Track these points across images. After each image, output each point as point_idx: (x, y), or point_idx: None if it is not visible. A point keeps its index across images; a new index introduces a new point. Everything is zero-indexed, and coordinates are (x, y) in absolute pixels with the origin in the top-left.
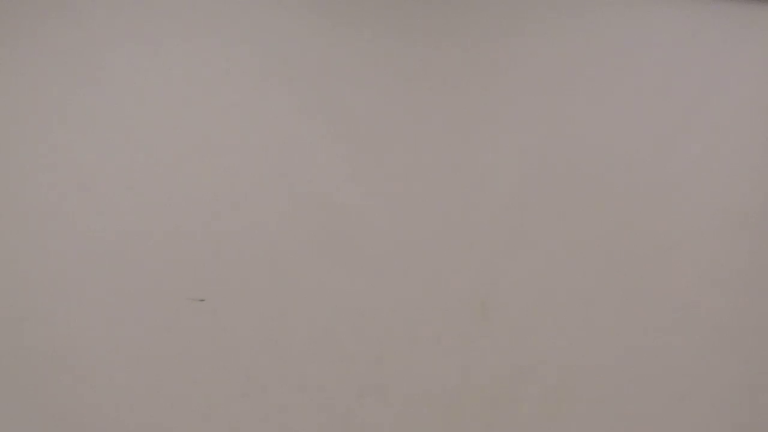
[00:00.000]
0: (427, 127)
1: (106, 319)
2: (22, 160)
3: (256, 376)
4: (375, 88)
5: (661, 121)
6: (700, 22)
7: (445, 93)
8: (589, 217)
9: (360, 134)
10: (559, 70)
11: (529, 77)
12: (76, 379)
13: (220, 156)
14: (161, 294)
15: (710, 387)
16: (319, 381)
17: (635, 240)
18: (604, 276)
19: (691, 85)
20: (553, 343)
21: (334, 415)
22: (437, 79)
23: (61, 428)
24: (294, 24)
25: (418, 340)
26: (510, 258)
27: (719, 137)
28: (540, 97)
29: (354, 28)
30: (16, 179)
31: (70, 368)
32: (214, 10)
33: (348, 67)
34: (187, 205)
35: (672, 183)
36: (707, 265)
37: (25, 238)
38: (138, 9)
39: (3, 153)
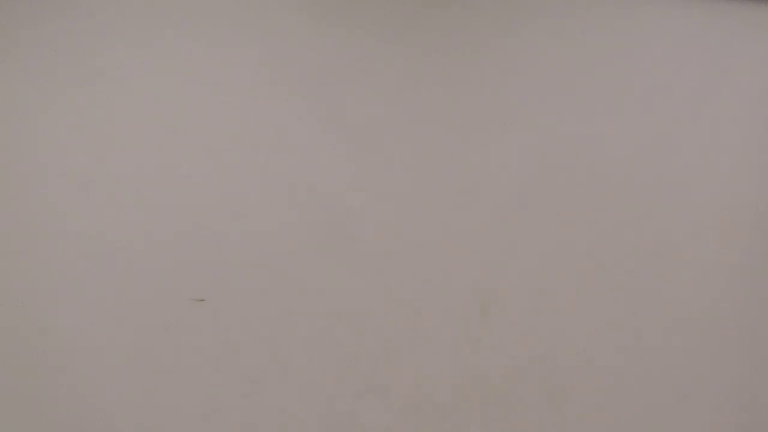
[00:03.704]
0: (428, 127)
1: (105, 319)
2: (21, 160)
3: (256, 376)
4: (376, 88)
5: (660, 120)
6: (700, 22)
7: (446, 93)
8: (589, 217)
9: (360, 134)
10: (559, 71)
11: (528, 77)
12: (75, 379)
13: (221, 156)
14: (161, 294)
15: (710, 387)
16: (319, 381)
17: (636, 240)
18: (604, 276)
19: (691, 85)
20: (554, 342)
21: (334, 415)
22: (439, 79)
23: (60, 428)
24: (295, 24)
25: (418, 339)
26: (510, 258)
27: (719, 137)
28: (540, 97)
29: (355, 28)
30: (15, 179)
31: (69, 368)
32: (215, 10)
33: (349, 67)
34: (186, 205)
35: (672, 183)
36: (708, 265)
37: (24, 238)
38: (137, 9)
39: (2, 153)
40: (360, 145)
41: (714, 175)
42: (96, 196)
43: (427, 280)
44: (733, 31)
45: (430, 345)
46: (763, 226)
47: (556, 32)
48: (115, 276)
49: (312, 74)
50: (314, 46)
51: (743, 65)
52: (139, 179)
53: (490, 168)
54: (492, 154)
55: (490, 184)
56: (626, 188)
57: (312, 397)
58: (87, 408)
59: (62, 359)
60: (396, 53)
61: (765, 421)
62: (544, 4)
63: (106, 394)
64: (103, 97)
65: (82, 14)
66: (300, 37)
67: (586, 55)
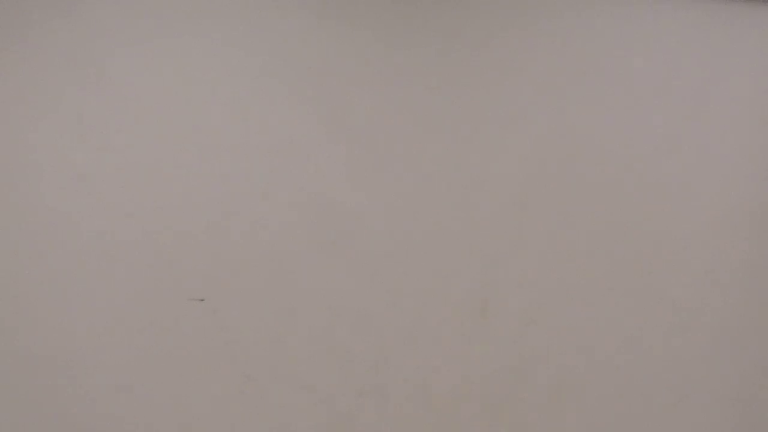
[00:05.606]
0: (428, 128)
1: (105, 319)
2: (21, 161)
3: (256, 375)
4: (375, 88)
5: (661, 121)
6: (700, 22)
7: (445, 93)
8: (589, 217)
9: (360, 134)
10: (559, 70)
11: (528, 77)
12: (75, 378)
13: (220, 156)
14: (161, 294)
15: (710, 387)
16: (319, 381)
17: (636, 240)
18: (604, 276)
19: (691, 85)
20: (553, 343)
21: (334, 415)
22: (438, 79)
23: (60, 428)
24: (294, 24)
25: (418, 340)
26: (510, 258)
27: (719, 137)
28: (540, 97)
29: (354, 28)
30: (16, 179)
31: (70, 368)
32: (214, 9)
33: (348, 67)
34: (186, 205)
35: (672, 183)
36: (708, 265)
37: (24, 238)
38: (137, 8)
39: (2, 153)
40: (360, 145)
41: (714, 174)
42: (96, 196)
43: (427, 280)
44: (733, 31)
45: (430, 345)
46: (763, 226)
47: (557, 32)
48: (115, 275)
49: (313, 75)
50: (315, 48)
51: (743, 65)
52: (139, 179)
53: (491, 168)
54: (492, 154)
55: (490, 185)
56: (626, 188)
57: (312, 397)
58: (86, 406)
59: (62, 358)
60: (397, 54)
61: (765, 421)
62: (545, 4)
63: (106, 393)
64: (103, 97)
65: (82, 14)
66: (301, 38)
67: (586, 55)
